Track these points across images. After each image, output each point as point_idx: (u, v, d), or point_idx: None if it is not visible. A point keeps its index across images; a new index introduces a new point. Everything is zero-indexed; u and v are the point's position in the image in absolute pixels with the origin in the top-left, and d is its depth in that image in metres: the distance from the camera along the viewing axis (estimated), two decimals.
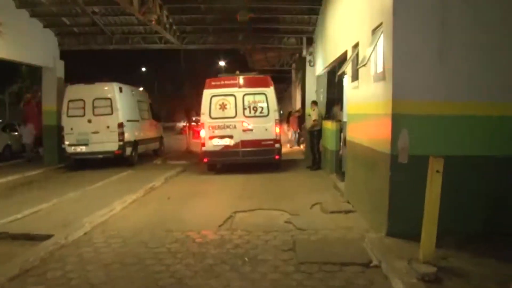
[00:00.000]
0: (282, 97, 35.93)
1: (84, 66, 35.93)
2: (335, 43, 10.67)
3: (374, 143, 6.44)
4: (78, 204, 8.74)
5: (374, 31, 6.56)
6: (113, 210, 7.84)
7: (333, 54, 10.93)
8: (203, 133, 12.65)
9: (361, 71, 7.25)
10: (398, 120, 5.55)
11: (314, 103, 13.46)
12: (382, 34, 6.05)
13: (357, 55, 7.79)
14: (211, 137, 12.55)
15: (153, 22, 12.10)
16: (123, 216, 7.65)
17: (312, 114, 13.09)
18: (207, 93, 12.62)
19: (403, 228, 5.57)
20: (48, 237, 6.16)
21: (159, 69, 52.41)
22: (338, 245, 5.80)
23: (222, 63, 42.94)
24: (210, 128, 12.56)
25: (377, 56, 6.47)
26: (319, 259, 5.26)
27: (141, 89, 22.42)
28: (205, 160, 12.82)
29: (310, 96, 15.74)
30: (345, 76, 9.72)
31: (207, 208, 8.34)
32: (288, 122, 23.00)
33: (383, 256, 5.04)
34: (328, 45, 12.17)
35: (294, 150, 19.93)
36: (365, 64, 6.26)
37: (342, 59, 10.11)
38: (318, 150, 12.96)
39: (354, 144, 7.92)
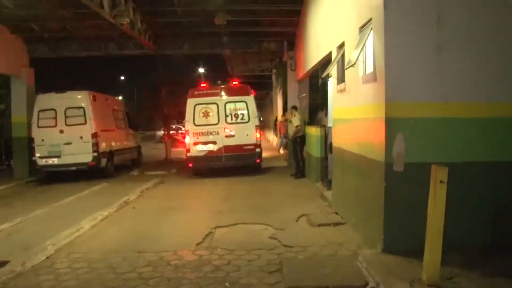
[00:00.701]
0: (263, 103, 35.41)
1: (60, 75, 34.98)
2: (318, 44, 10.19)
3: (365, 150, 5.91)
4: (44, 222, 8.01)
5: (361, 28, 6.06)
6: (81, 229, 7.14)
7: (316, 57, 10.43)
8: (187, 139, 13.26)
9: (348, 72, 6.74)
10: (392, 125, 5.03)
11: (294, 108, 13.01)
12: (372, 31, 5.54)
13: (343, 55, 7.29)
14: (195, 143, 13.15)
15: (125, 26, 11.44)
16: (92, 235, 6.95)
17: (294, 120, 12.57)
18: (190, 102, 13.24)
19: (401, 243, 5.07)
20: (3, 264, 5.46)
21: (138, 76, 51.46)
22: (330, 264, 5.22)
23: (201, 70, 42.32)
24: (194, 135, 13.16)
25: (366, 55, 5.97)
26: (310, 282, 4.68)
27: (120, 98, 21.73)
28: (190, 165, 13.37)
29: (292, 101, 15.31)
30: (329, 79, 9.25)
31: (185, 223, 7.69)
32: (275, 128, 22.35)
33: (381, 277, 4.48)
34: (310, 47, 11.69)
35: (276, 156, 19.41)
36: (354, 64, 5.74)
37: (325, 61, 9.62)
38: (302, 157, 12.46)
39: (342, 151, 7.40)
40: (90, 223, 7.55)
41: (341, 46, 7.51)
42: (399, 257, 4.95)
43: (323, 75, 7.91)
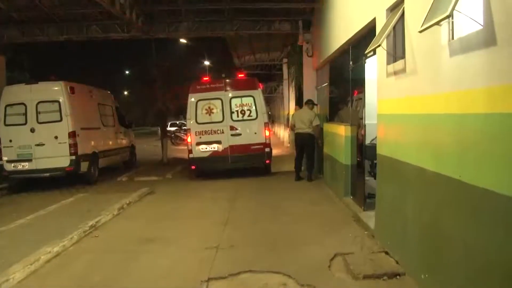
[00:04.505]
0: (272, 97, 32.91)
1: (52, 65, 32.77)
2: (350, 14, 7.69)
3: (459, 169, 3.41)
4: None
5: None
6: (3, 284, 4.75)
7: (345, 33, 7.93)
8: (189, 139, 12.08)
9: (417, 41, 4.28)
10: None
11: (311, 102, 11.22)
12: None
13: (402, 18, 4.80)
14: (198, 143, 11.99)
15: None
16: None
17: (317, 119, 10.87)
18: (192, 98, 12.07)
19: None
20: None
21: (144, 68, 49.14)
22: None
23: (207, 62, 39.98)
24: (197, 134, 11.99)
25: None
26: None
27: (125, 93, 19.43)
28: (193, 167, 12.24)
29: (309, 93, 12.87)
30: (367, 61, 6.79)
31: (164, 269, 5.19)
32: None
33: None
34: (336, 23, 9.18)
35: (288, 155, 17.04)
36: (448, 17, 3.19)
37: (359, 38, 7.18)
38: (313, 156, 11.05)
39: (397, 162, 4.92)
40: (25, 269, 5.12)
41: (396, 6, 5.03)
42: None
43: (369, 49, 5.38)
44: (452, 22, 3.55)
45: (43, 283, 4.94)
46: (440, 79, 3.76)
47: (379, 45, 4.89)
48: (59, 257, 5.75)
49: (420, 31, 3.66)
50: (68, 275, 5.15)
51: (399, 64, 4.86)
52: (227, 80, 12.43)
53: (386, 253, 5.26)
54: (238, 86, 12.33)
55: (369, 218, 6.49)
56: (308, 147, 10.98)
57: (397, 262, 4.91)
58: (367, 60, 6.77)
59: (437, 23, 3.35)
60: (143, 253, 5.81)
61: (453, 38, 3.59)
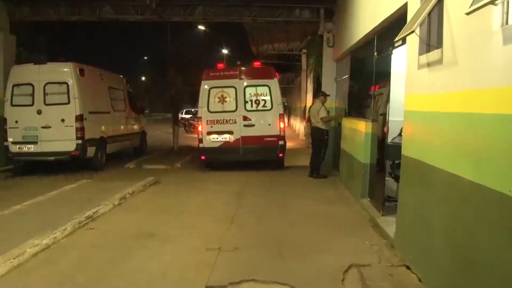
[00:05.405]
0: (290, 88, 32.17)
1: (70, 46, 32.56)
2: (376, 1, 7.05)
3: (506, 183, 2.81)
4: None
5: None
6: None
7: (372, 20, 7.27)
8: (200, 128, 11.61)
9: (457, 27, 3.66)
10: None
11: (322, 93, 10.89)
12: None
13: (439, 1, 4.16)
14: (210, 133, 11.45)
15: None
16: None
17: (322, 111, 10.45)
18: (205, 85, 11.52)
19: None
20: None
21: (158, 53, 48.76)
22: None
23: (225, 51, 39.48)
24: (208, 123, 11.45)
25: None
26: None
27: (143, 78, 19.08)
28: (202, 157, 11.70)
29: (327, 85, 12.23)
30: (394, 51, 6.17)
31: (158, 272, 4.68)
32: None
33: None
34: (360, 9, 8.53)
35: (303, 149, 16.44)
36: None
37: (389, 24, 6.54)
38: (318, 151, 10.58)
39: (426, 167, 4.31)
40: (7, 263, 4.67)
41: None
42: None
43: (400, 36, 4.72)
44: (508, 1, 2.94)
45: (26, 279, 4.48)
46: (487, 71, 3.15)
47: (412, 31, 4.26)
48: (48, 250, 5.29)
49: (468, 13, 3.03)
50: (55, 271, 4.68)
51: (434, 54, 4.23)
52: (242, 68, 11.81)
53: (408, 267, 4.68)
54: (253, 74, 11.73)
55: (388, 224, 5.92)
56: (314, 141, 10.57)
57: (420, 280, 4.34)
58: (394, 51, 6.16)
59: (492, 1, 2.74)
60: (139, 250, 5.32)
61: (507, 22, 2.97)
